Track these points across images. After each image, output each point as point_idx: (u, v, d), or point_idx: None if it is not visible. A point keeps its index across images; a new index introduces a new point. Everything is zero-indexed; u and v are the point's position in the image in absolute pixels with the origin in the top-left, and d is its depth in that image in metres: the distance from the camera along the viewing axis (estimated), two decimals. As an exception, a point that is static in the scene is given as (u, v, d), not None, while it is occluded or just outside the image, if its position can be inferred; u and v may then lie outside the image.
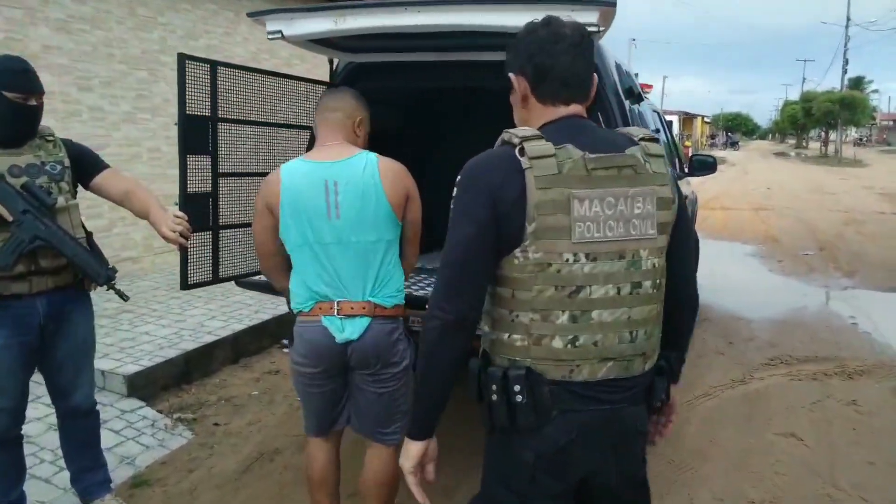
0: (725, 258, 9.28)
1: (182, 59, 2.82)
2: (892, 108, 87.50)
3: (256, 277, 3.26)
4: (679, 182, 5.31)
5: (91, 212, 6.26)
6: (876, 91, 66.58)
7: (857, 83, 58.56)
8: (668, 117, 9.66)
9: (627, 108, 3.37)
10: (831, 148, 48.00)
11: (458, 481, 3.19)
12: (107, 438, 3.64)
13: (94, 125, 6.17)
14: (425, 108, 4.53)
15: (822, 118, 45.58)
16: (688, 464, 3.53)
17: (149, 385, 4.22)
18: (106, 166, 2.72)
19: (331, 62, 3.45)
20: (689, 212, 5.21)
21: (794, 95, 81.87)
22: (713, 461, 3.57)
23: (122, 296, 2.63)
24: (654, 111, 5.39)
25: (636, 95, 3.67)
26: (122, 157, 6.31)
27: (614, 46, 4.29)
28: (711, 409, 4.24)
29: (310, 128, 3.51)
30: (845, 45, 47.71)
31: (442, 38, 3.01)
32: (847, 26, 47.55)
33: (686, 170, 6.07)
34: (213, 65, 2.98)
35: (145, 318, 5.19)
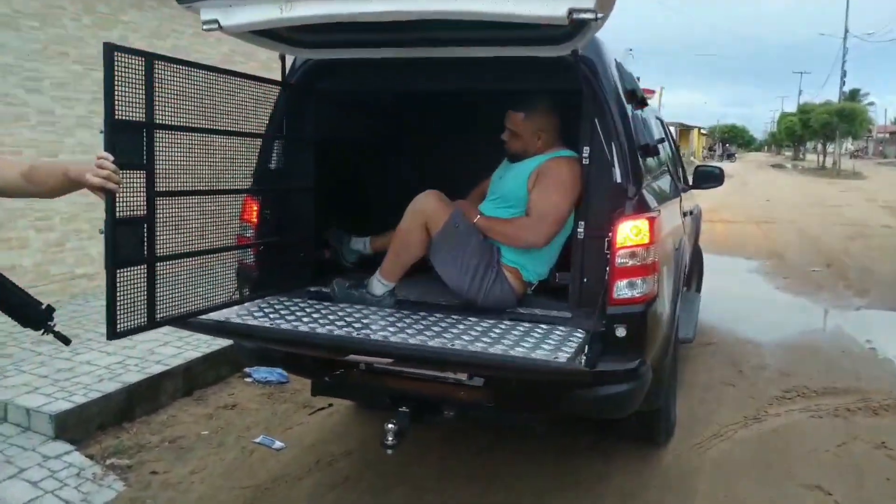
0: (729, 275, 8.77)
1: (109, 50, 2.20)
2: (888, 120, 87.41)
3: (209, 316, 2.70)
4: (683, 195, 4.88)
5: (42, 224, 5.76)
6: (872, 103, 66.34)
7: (853, 95, 58.43)
8: (667, 127, 9.20)
9: (630, 114, 2.88)
10: (829, 160, 47.70)
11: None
12: (20, 492, 3.12)
13: (44, 130, 5.65)
14: (407, 113, 4.03)
15: (820, 130, 45.31)
16: (700, 526, 3.01)
17: (81, 425, 3.69)
18: None
19: (282, 59, 2.96)
20: (694, 226, 4.44)
21: (790, 107, 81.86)
22: (729, 522, 3.06)
23: (64, 340, 2.10)
24: (658, 118, 4.90)
25: (639, 100, 3.18)
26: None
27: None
28: (724, 453, 3.72)
29: (262, 135, 3.02)
30: (843, 56, 47.51)
31: (414, 30, 2.54)
32: (845, 38, 47.38)
33: (690, 182, 5.58)
34: (150, 58, 2.41)
35: (90, 343, 4.65)
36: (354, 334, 2.48)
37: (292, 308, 2.84)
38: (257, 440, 3.77)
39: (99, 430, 3.78)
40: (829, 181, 31.91)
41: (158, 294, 2.45)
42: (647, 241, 2.62)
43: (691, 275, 5.82)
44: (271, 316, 2.69)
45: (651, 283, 2.65)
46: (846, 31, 47.24)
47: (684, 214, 4.37)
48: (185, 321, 2.60)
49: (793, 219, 15.25)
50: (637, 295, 2.61)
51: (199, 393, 4.43)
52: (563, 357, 2.25)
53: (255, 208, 3.04)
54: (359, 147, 3.62)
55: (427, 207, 2.97)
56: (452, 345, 2.37)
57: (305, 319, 2.65)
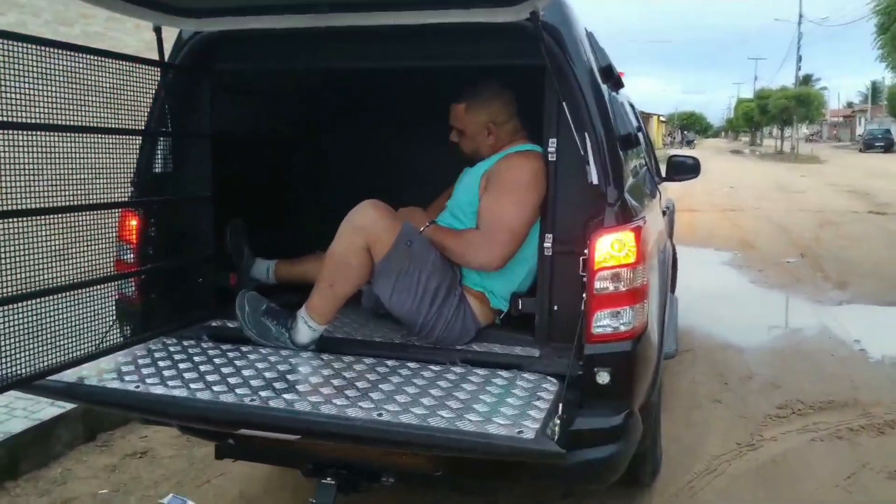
0: (701, 268, 8.29)
1: None
2: (840, 104, 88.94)
3: (69, 374, 2.03)
4: (658, 188, 4.32)
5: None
6: (825, 88, 67.34)
7: (806, 80, 59.16)
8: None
9: (607, 96, 2.28)
10: (787, 144, 48.13)
11: None
12: None
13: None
14: (332, 99, 3.38)
15: (778, 115, 45.64)
16: None
17: (-56, 492, 3.00)
18: None
19: (157, 32, 2.30)
20: (670, 223, 3.70)
21: (746, 94, 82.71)
22: None
23: None
24: (630, 104, 4.33)
25: (615, 80, 2.59)
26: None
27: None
28: (720, 494, 3.19)
29: (144, 132, 2.36)
30: (798, 41, 47.88)
31: None
32: (800, 22, 47.72)
33: (663, 174, 5.05)
34: None
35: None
36: (248, 399, 1.85)
37: (178, 357, 2.19)
38: (164, 501, 3.11)
39: (-30, 494, 3.10)
40: (788, 166, 32.00)
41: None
42: (633, 259, 2.04)
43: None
44: (144, 371, 2.04)
45: (640, 312, 2.07)
46: (801, 15, 47.57)
47: (664, 213, 3.82)
48: (37, 384, 1.93)
49: (759, 206, 14.97)
50: (623, 329, 2.03)
51: (106, 436, 3.74)
52: (529, 431, 1.65)
53: (136, 224, 2.38)
54: (270, 143, 2.94)
55: (368, 223, 2.31)
56: (380, 412, 1.76)
57: (190, 375, 2.01)
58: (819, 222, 12.24)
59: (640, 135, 3.43)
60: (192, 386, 1.92)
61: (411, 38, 2.28)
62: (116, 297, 2.38)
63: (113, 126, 2.24)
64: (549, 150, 2.23)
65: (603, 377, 2.00)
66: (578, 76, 2.08)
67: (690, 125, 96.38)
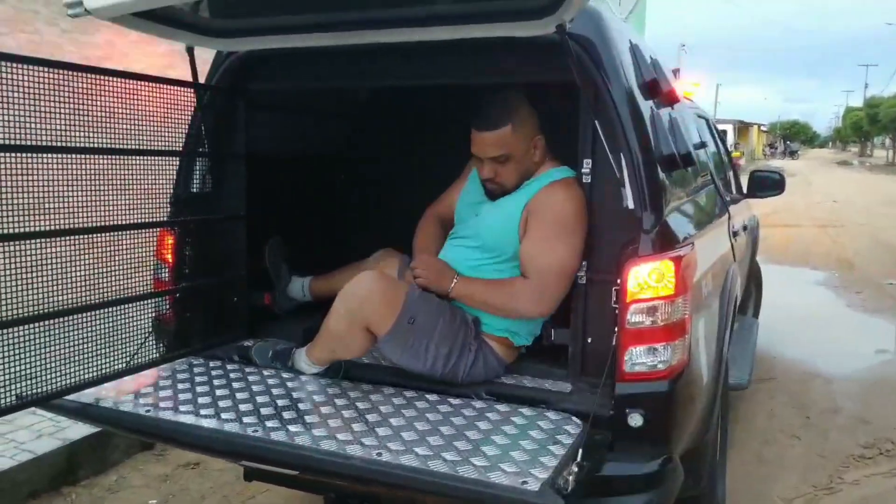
0: (792, 289, 7.80)
1: None
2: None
3: (84, 395, 2.06)
4: (733, 209, 4.03)
5: None
6: (945, 94, 62.85)
7: (925, 87, 55.34)
8: (721, 126, 8.29)
9: (650, 114, 2.11)
10: (900, 155, 45.22)
11: None
12: None
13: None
14: (366, 118, 3.34)
15: (890, 124, 42.87)
16: None
17: (5, 496, 3.12)
18: None
19: (190, 53, 2.31)
20: (751, 242, 3.40)
21: (856, 102, 78.30)
22: None
23: None
24: (702, 117, 4.08)
25: (665, 94, 2.39)
26: None
27: (661, 53, 2.81)
28: (787, 544, 2.93)
29: (182, 153, 2.39)
30: (914, 45, 44.79)
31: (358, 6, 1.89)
32: (916, 26, 44.68)
33: (744, 190, 4.74)
34: None
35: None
36: (251, 430, 1.80)
37: (199, 380, 2.18)
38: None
39: (31, 498, 3.21)
40: (901, 178, 30.02)
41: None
42: (672, 290, 1.87)
43: (747, 297, 4.97)
44: (161, 394, 2.03)
45: (680, 349, 1.90)
46: (917, 18, 44.50)
47: (734, 234, 3.56)
48: (53, 402, 1.96)
49: (863, 222, 14.03)
50: (660, 367, 1.87)
51: (163, 444, 3.82)
52: (534, 482, 1.52)
53: (171, 242, 2.40)
54: (305, 162, 2.91)
55: (363, 306, 2.13)
56: (380, 452, 1.66)
57: (203, 400, 1.98)
58: (931, 241, 11.36)
59: (705, 150, 3.20)
60: (203, 412, 1.90)
61: (443, 55, 2.20)
62: (153, 315, 2.40)
63: (148, 148, 2.26)
64: (584, 171, 2.09)
65: (636, 419, 1.84)
66: (613, 93, 1.93)
67: (795, 135, 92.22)
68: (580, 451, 1.70)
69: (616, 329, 1.90)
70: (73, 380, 1.99)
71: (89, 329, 2.06)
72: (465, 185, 2.54)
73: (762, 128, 71.72)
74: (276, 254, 2.73)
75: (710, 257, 2.50)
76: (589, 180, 2.08)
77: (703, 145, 3.03)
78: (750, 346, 4.11)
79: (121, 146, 2.20)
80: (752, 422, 4.13)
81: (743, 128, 53.17)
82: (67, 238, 2.01)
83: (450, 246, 2.44)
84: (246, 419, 1.87)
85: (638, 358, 1.88)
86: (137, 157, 2.24)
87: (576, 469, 1.63)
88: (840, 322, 6.69)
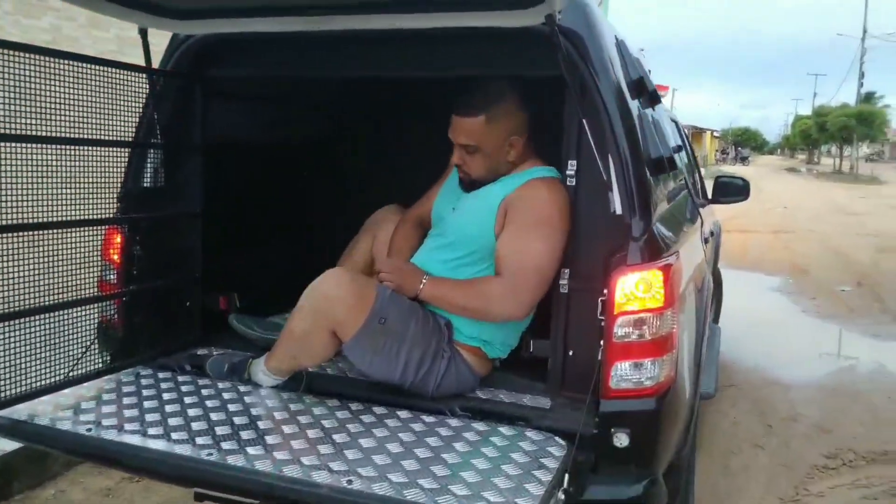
0: (748, 294, 7.87)
1: None
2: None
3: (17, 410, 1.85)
4: (701, 211, 3.98)
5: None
6: (888, 106, 64.91)
7: (868, 98, 57.29)
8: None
9: (637, 113, 2.01)
10: (846, 164, 46.55)
11: None
12: None
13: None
14: (338, 108, 3.18)
15: (837, 133, 44.13)
16: None
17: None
18: None
19: (143, 35, 2.12)
20: (715, 249, 3.30)
21: (805, 110, 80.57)
22: None
23: None
24: (673, 120, 4.02)
25: (650, 94, 2.30)
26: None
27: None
28: (758, 560, 2.87)
29: (132, 143, 2.19)
30: (861, 57, 46.29)
31: None
32: (863, 38, 46.11)
33: (709, 196, 4.72)
34: None
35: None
36: (205, 453, 1.63)
37: (147, 393, 1.99)
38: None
39: (-41, 513, 2.98)
40: (847, 186, 30.87)
41: None
42: (661, 302, 1.77)
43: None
44: (104, 409, 1.84)
45: (668, 364, 1.80)
46: (865, 31, 45.97)
47: (706, 241, 3.51)
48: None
49: (813, 228, 14.34)
50: (646, 383, 1.77)
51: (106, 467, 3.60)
52: None
53: (119, 242, 2.20)
54: (269, 155, 2.73)
55: (329, 306, 1.99)
56: (350, 479, 1.52)
57: (151, 417, 1.80)
58: (878, 248, 11.63)
59: (680, 154, 3.13)
60: (150, 432, 1.72)
61: (422, 44, 2.06)
62: (98, 320, 2.20)
63: (95, 137, 2.06)
64: (568, 172, 1.97)
65: (621, 439, 1.74)
66: (602, 90, 1.82)
67: (746, 141, 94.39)
68: (566, 476, 1.58)
69: (601, 342, 1.79)
70: (3, 393, 1.80)
71: (24, 336, 1.87)
72: (445, 182, 2.41)
73: (715, 133, 73.20)
74: (242, 320, 2.51)
75: (690, 266, 2.41)
76: (574, 182, 1.96)
77: (680, 148, 2.96)
78: (714, 352, 4.07)
79: (65, 135, 2.01)
80: (715, 433, 4.09)
81: (696, 133, 54.19)
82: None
83: (423, 247, 2.32)
84: (199, 440, 1.70)
85: (624, 373, 1.77)
86: (83, 148, 2.05)
87: (562, 497, 1.51)
88: (796, 328, 6.78)
